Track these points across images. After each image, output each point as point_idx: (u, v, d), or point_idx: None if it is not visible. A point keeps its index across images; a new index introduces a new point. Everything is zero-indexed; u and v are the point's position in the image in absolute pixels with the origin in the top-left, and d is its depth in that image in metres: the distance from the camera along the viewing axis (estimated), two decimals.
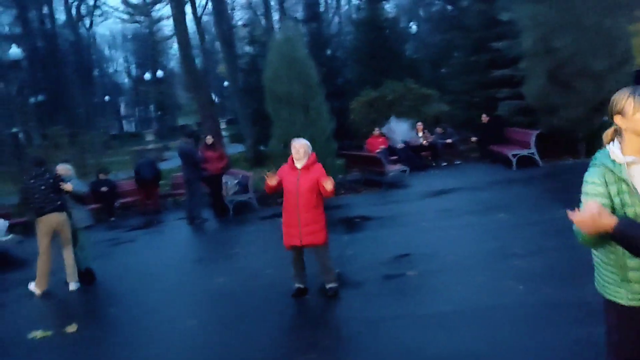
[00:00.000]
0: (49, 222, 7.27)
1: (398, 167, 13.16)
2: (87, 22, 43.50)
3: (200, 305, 6.17)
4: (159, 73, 43.00)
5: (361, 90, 17.03)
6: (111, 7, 47.23)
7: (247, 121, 19.24)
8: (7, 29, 36.06)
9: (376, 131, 14.53)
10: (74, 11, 40.37)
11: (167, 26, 48.69)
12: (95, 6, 43.19)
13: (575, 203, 2.41)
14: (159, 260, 8.68)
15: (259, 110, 20.38)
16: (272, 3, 25.50)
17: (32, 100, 34.22)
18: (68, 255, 7.43)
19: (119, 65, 59.24)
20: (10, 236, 9.91)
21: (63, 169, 7.88)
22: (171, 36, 48.96)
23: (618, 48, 11.31)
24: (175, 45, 56.72)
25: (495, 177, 11.53)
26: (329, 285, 5.89)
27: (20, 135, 28.70)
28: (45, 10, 35.92)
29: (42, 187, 7.22)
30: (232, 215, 11.40)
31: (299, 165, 5.80)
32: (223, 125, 22.88)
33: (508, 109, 13.85)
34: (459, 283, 5.74)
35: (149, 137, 37.33)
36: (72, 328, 5.88)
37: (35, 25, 35.03)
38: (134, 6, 45.56)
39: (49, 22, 36.81)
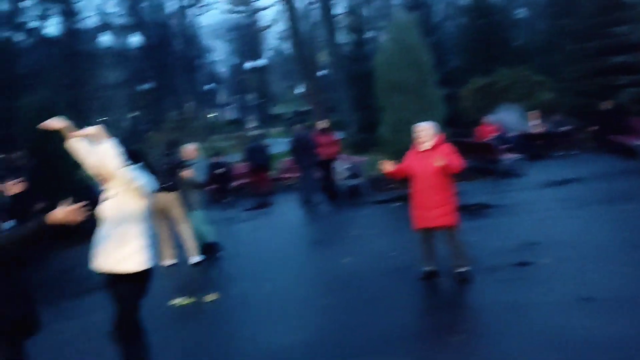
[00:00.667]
0: (158, 200, 7.63)
1: (512, 155, 12.79)
2: (191, 12, 45.13)
3: (331, 285, 6.31)
4: (261, 61, 44.02)
5: (469, 77, 16.67)
6: None
7: (350, 108, 19.36)
8: (121, 20, 38.36)
9: (487, 119, 14.21)
10: (179, 2, 42.14)
11: (267, 16, 50.01)
12: None
13: None
14: (278, 239, 8.98)
15: (364, 98, 20.58)
16: None
17: (140, 87, 36.20)
18: (184, 231, 7.80)
19: (220, 54, 61.23)
20: None
21: (191, 149, 8.25)
22: (270, 26, 50.19)
23: None
24: (272, 36, 58.14)
25: (617, 168, 10.97)
26: (459, 270, 5.87)
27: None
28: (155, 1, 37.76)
29: (165, 166, 7.68)
30: (343, 199, 11.56)
31: (424, 147, 5.81)
32: None
33: (629, 97, 13.04)
34: (595, 271, 5.55)
35: (251, 124, 38.38)
36: (211, 297, 6.26)
37: (146, 16, 36.80)
38: None
39: (158, 13, 38.76)
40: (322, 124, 12.05)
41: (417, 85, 12.04)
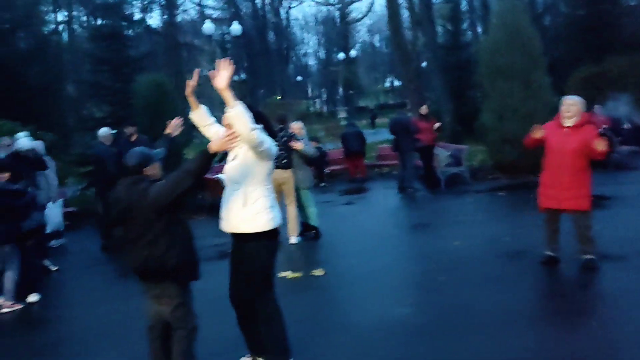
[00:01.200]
0: (274, 178, 7.64)
1: (625, 147, 12.03)
2: (285, 5, 45.88)
3: (443, 264, 6.14)
4: (352, 53, 44.04)
5: (575, 67, 15.82)
6: None
7: (445, 99, 18.93)
8: (217, 13, 39.61)
9: (596, 109, 13.41)
10: None
11: (358, 9, 49.95)
12: None
13: None
14: (379, 222, 8.85)
15: (459, 88, 20.10)
16: None
17: (235, 77, 37.16)
18: (291, 211, 7.75)
19: (310, 47, 61.94)
20: None
21: (297, 127, 8.24)
22: (362, 18, 50.16)
23: None
24: (362, 29, 58.01)
25: None
26: (586, 257, 5.53)
27: None
28: None
29: (280, 140, 7.63)
30: (444, 187, 11.29)
31: (568, 123, 5.47)
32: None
33: None
34: None
35: (341, 115, 38.52)
36: (318, 272, 6.25)
37: (243, 9, 37.73)
38: None
39: (253, 5, 39.67)
40: (423, 109, 11.80)
41: (524, 70, 11.56)
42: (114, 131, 9.30)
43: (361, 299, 5.30)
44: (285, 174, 7.66)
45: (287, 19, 46.98)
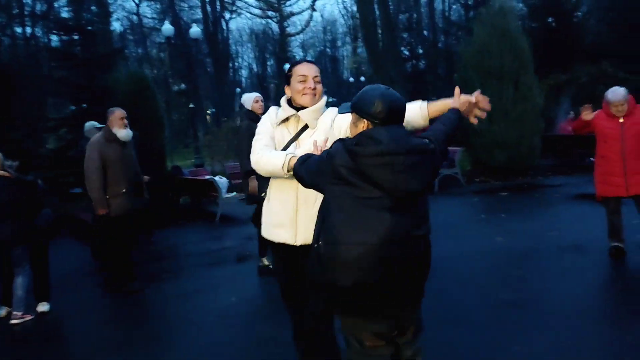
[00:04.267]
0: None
1: None
2: (224, 16, 45.04)
3: (489, 261, 5.77)
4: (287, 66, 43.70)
5: (544, 73, 16.12)
6: (245, 3, 48.33)
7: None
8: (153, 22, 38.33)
9: (571, 115, 13.65)
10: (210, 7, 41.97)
11: (295, 23, 49.71)
12: (231, 2, 44.68)
13: None
14: None
15: (418, 95, 20.10)
16: None
17: (175, 88, 36.01)
18: None
19: (245, 60, 61.17)
20: (232, 194, 10.07)
21: None
22: (301, 32, 50.05)
23: None
24: (294, 46, 57.85)
25: None
26: None
27: None
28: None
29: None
30: (437, 189, 10.97)
31: (620, 113, 5.27)
32: None
33: None
34: None
35: None
36: None
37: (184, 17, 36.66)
38: (266, 1, 46.67)
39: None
40: None
41: (514, 72, 11.54)
42: (100, 125, 8.38)
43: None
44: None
45: (227, 30, 46.06)
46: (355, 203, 2.31)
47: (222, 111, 39.83)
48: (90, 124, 8.13)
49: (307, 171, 2.51)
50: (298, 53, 69.52)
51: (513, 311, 4.27)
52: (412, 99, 2.89)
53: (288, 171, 2.65)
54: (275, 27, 49.48)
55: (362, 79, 44.33)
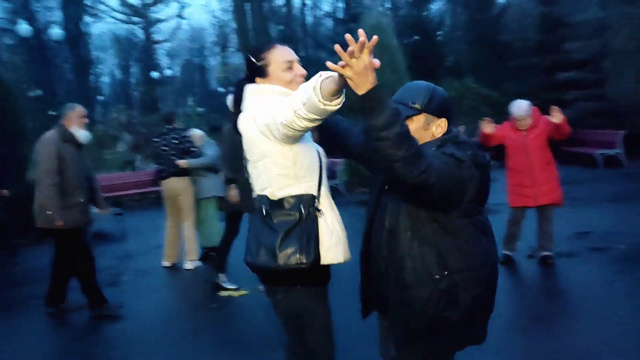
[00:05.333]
0: (166, 188, 6.61)
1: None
2: (85, 20, 42.46)
3: None
4: (154, 74, 42.11)
5: None
6: (108, 6, 45.78)
7: None
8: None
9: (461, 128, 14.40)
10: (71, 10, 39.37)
11: (162, 30, 48.12)
12: (92, 6, 42.19)
13: None
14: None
15: None
16: None
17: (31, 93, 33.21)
18: (186, 228, 6.68)
19: (106, 66, 58.07)
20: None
21: (198, 136, 7.11)
22: (167, 40, 48.55)
23: None
24: (160, 53, 56.07)
25: (580, 175, 11.37)
26: (544, 253, 5.60)
27: None
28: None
29: (164, 149, 6.49)
30: None
31: (523, 126, 5.51)
32: None
33: (581, 111, 13.74)
34: None
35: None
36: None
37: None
38: (131, 6, 44.73)
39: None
40: None
41: (391, 86, 11.83)
42: None
43: None
44: (179, 184, 6.56)
45: (87, 34, 43.36)
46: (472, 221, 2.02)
47: None
48: None
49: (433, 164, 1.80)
50: (164, 61, 67.59)
51: None
52: None
53: (324, 98, 1.82)
54: (140, 33, 47.67)
55: (232, 89, 43.86)
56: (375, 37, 1.65)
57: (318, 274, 2.26)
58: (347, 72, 1.65)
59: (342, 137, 2.41)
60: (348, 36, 1.64)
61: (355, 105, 1.69)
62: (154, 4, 42.35)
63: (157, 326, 4.73)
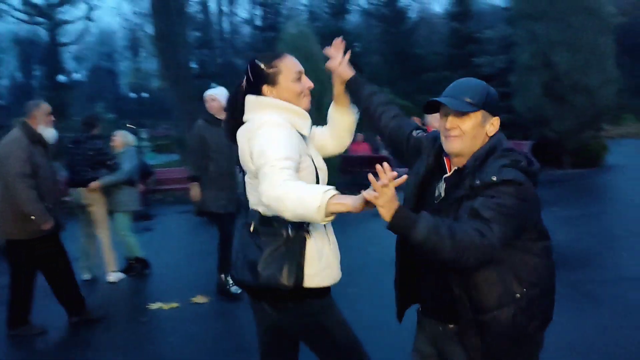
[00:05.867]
0: (76, 198, 6.28)
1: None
2: None
3: None
4: (61, 78, 40.25)
5: None
6: (9, 5, 43.11)
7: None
8: None
9: (359, 137, 14.66)
10: None
11: (69, 32, 46.02)
12: None
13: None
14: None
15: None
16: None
17: None
18: (101, 239, 6.39)
19: (6, 68, 54.81)
20: None
21: (119, 139, 6.83)
22: (74, 42, 46.47)
23: (608, 66, 12.39)
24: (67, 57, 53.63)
25: None
26: None
27: None
28: None
29: (78, 157, 6.20)
30: None
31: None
32: None
33: None
34: None
35: None
36: (201, 299, 5.34)
37: None
38: (35, 6, 42.50)
39: None
40: None
41: (317, 93, 11.92)
42: None
43: None
44: (91, 194, 6.22)
45: None
46: None
47: None
48: None
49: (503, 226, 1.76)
50: (71, 64, 64.68)
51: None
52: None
53: (326, 216, 1.80)
54: (45, 34, 45.38)
55: (145, 94, 42.67)
56: (404, 176, 1.74)
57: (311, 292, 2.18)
58: (379, 202, 1.67)
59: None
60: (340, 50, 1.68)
61: (392, 230, 1.73)
62: (60, 4, 40.34)
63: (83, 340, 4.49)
